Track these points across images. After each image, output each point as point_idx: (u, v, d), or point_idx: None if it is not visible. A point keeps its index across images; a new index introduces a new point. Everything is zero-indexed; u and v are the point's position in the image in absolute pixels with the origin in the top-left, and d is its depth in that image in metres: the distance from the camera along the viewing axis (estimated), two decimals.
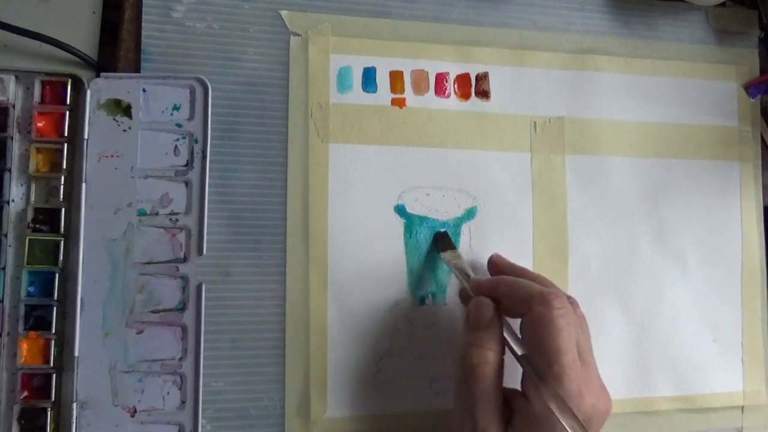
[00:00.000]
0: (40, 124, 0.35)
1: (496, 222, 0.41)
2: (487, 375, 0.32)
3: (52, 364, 0.34)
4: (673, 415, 0.42)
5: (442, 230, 0.40)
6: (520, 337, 0.33)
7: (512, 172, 0.42)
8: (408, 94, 0.40)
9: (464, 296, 0.38)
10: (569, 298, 0.34)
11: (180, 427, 0.35)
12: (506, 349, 0.33)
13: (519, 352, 0.32)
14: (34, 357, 0.34)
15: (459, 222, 0.40)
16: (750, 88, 0.46)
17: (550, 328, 0.31)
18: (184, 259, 0.36)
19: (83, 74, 0.36)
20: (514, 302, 0.33)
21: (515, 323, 0.34)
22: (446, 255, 0.39)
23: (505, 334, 0.33)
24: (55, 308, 0.35)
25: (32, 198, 0.35)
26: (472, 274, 0.37)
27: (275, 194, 0.38)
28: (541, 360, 0.31)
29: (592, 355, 0.34)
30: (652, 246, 0.43)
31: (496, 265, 0.39)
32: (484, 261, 0.40)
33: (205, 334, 0.36)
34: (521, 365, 0.32)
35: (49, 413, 0.34)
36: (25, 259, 0.35)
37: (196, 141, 0.37)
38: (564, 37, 0.43)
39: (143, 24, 0.37)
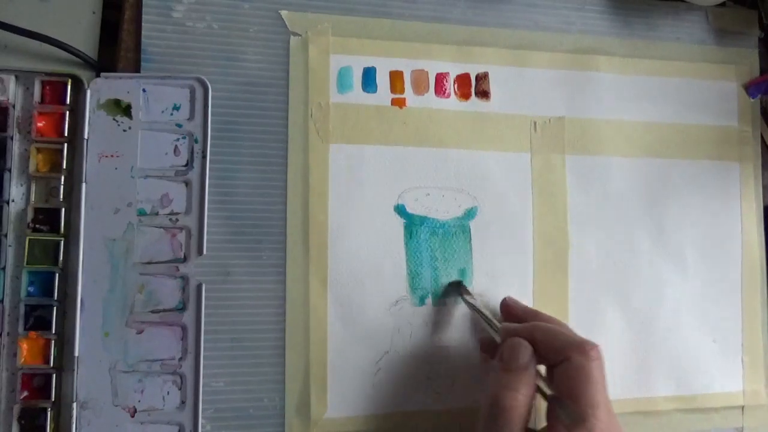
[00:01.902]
0: (40, 124, 0.35)
1: (496, 222, 0.41)
2: (516, 419, 0.32)
3: (52, 364, 0.34)
4: (674, 415, 0.42)
5: (455, 280, 0.40)
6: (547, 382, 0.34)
7: (512, 172, 0.42)
8: (408, 94, 0.40)
9: (485, 342, 0.39)
10: None
11: (180, 427, 0.35)
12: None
13: (550, 396, 0.33)
14: (34, 357, 0.34)
15: (464, 221, 0.40)
16: (750, 88, 0.46)
17: (589, 380, 0.32)
18: (184, 259, 0.36)
19: (83, 74, 0.36)
20: (550, 349, 0.34)
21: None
22: (468, 299, 0.39)
23: (538, 379, 0.33)
24: (55, 308, 0.35)
25: (32, 198, 0.35)
26: (494, 320, 0.37)
27: (275, 194, 0.38)
28: (575, 408, 0.32)
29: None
30: (652, 246, 0.43)
31: (510, 309, 0.39)
32: (484, 261, 0.40)
33: (205, 334, 0.36)
34: (553, 409, 0.33)
35: (49, 413, 0.34)
36: (25, 259, 0.35)
37: (196, 141, 0.37)
38: (564, 37, 0.43)
39: (143, 24, 0.37)
